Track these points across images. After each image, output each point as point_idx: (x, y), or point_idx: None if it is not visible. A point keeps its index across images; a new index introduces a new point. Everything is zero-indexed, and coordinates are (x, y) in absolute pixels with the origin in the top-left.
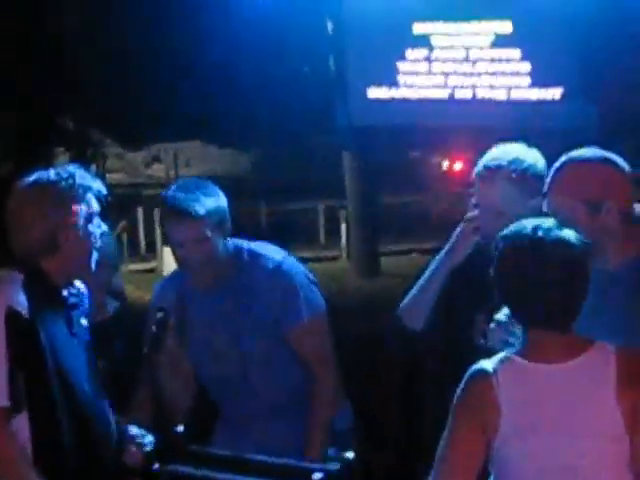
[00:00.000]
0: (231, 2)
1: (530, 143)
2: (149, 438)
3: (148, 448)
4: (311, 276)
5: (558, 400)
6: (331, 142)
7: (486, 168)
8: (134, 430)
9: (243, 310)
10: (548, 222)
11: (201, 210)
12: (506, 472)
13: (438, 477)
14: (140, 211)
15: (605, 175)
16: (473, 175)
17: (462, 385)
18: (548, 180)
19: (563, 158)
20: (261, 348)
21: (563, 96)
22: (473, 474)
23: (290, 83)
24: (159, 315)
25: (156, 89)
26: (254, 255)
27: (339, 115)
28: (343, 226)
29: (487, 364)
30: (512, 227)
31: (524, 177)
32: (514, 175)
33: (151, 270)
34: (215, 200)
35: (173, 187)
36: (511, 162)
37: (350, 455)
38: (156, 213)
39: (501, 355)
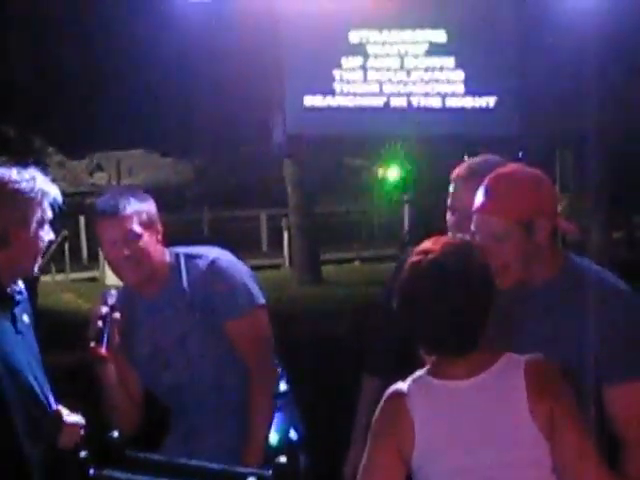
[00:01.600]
0: (169, 11)
1: (464, 150)
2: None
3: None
4: (249, 271)
5: (470, 416)
6: (272, 151)
7: (467, 172)
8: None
9: (184, 314)
10: (446, 245)
11: (129, 208)
12: None
13: None
14: (82, 220)
15: (536, 193)
16: (452, 178)
17: (379, 407)
18: (478, 198)
19: (492, 176)
20: (208, 349)
21: (496, 104)
22: None
23: (232, 91)
24: (104, 310)
25: (98, 98)
26: (190, 256)
27: (276, 123)
28: (285, 234)
29: (402, 384)
30: (415, 250)
31: None
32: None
33: (93, 279)
34: (143, 201)
35: (103, 195)
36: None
37: (283, 459)
38: None
39: (416, 374)
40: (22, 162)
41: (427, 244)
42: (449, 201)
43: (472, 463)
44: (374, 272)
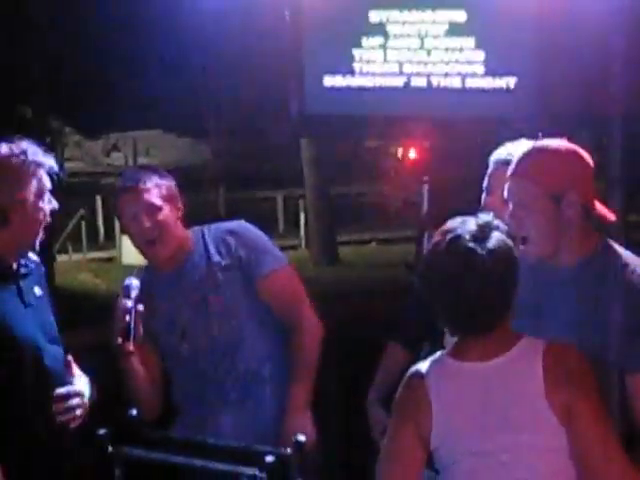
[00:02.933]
0: None
1: (484, 130)
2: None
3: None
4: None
5: (486, 398)
6: (289, 131)
7: (505, 155)
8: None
9: (205, 278)
10: (467, 226)
11: (148, 182)
12: (447, 470)
13: (380, 476)
14: (99, 200)
15: (571, 167)
16: (492, 160)
17: (400, 387)
18: (512, 165)
19: (530, 145)
20: (230, 314)
21: (516, 85)
22: (413, 472)
23: (250, 72)
24: (129, 304)
25: (116, 78)
26: (212, 227)
27: (295, 104)
28: (302, 215)
29: (422, 365)
30: (439, 230)
31: None
32: None
33: (109, 259)
34: (163, 177)
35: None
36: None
37: (302, 438)
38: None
39: (435, 356)
40: (39, 142)
41: (451, 224)
42: (486, 182)
43: (488, 446)
44: (390, 254)
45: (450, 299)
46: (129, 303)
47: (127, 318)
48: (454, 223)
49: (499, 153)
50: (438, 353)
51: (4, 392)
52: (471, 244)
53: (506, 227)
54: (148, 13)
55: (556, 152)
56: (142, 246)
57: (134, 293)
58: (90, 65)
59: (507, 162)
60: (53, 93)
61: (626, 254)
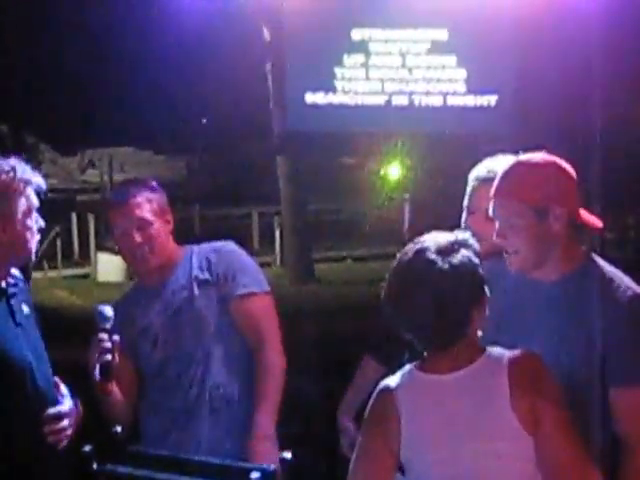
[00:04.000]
0: (165, 6)
1: (465, 148)
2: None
3: (69, 429)
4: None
5: (453, 409)
6: (267, 148)
7: (485, 173)
8: (53, 410)
9: (184, 289)
10: (437, 240)
11: (138, 196)
12: None
13: None
14: (74, 216)
15: (553, 180)
16: (471, 178)
17: (370, 401)
18: (495, 183)
19: (511, 161)
20: (208, 331)
21: (497, 103)
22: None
23: (226, 89)
24: (107, 345)
25: (91, 95)
26: (200, 245)
27: (276, 121)
28: (277, 232)
29: (391, 379)
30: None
31: None
32: None
33: (84, 276)
34: (154, 191)
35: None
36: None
37: (288, 455)
38: (90, 219)
39: (404, 369)
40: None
41: (424, 237)
42: (466, 201)
43: (456, 455)
44: (366, 271)
45: (407, 310)
46: (108, 344)
47: (107, 357)
48: (427, 236)
49: (478, 170)
50: (407, 366)
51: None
52: (433, 257)
53: (478, 246)
54: (126, 33)
55: (537, 167)
56: (131, 261)
57: (108, 324)
58: (66, 82)
59: (487, 179)
60: (29, 110)
61: (610, 269)
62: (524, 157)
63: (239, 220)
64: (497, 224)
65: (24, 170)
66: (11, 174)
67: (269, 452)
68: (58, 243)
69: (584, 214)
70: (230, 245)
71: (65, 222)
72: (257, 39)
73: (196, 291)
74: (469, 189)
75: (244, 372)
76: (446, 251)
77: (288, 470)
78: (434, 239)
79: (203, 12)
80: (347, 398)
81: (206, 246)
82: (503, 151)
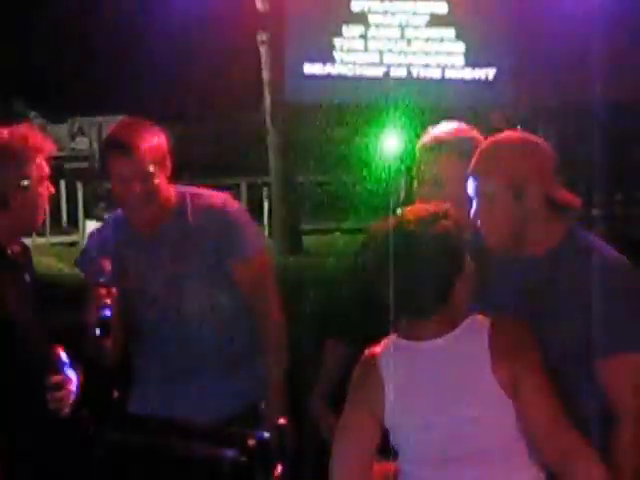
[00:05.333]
0: None
1: (463, 120)
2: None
3: (72, 396)
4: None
5: (437, 374)
6: (258, 118)
7: (433, 141)
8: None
9: (182, 254)
10: (419, 211)
11: (144, 145)
12: (401, 447)
13: (332, 458)
14: (62, 184)
15: (530, 159)
16: (418, 147)
17: (355, 369)
18: (473, 161)
19: (489, 140)
20: (201, 294)
21: (495, 76)
22: (366, 449)
23: (215, 58)
24: (107, 301)
25: (80, 61)
26: (196, 196)
27: (271, 91)
28: (266, 203)
29: (376, 348)
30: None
31: (469, 153)
32: (458, 150)
33: (73, 243)
34: (157, 137)
35: (116, 124)
36: (457, 137)
37: (282, 421)
38: (79, 186)
39: (389, 337)
40: (3, 125)
41: (407, 208)
42: (415, 171)
43: (439, 420)
44: (355, 243)
45: (388, 280)
46: (107, 300)
47: (106, 313)
48: (408, 208)
49: (425, 139)
50: (390, 335)
51: (5, 379)
52: (413, 228)
53: (459, 216)
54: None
55: (514, 145)
56: (127, 209)
57: (106, 279)
58: (56, 49)
59: (433, 147)
60: (17, 77)
61: (593, 240)
62: (501, 136)
63: (228, 190)
64: (474, 203)
65: (36, 137)
66: (22, 141)
67: (283, 408)
68: (47, 210)
69: (561, 192)
70: (230, 202)
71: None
72: (250, 7)
73: (198, 258)
74: (417, 158)
75: (242, 327)
76: (426, 222)
77: (283, 436)
78: (414, 211)
79: None
80: (320, 382)
81: (203, 198)
82: (499, 124)
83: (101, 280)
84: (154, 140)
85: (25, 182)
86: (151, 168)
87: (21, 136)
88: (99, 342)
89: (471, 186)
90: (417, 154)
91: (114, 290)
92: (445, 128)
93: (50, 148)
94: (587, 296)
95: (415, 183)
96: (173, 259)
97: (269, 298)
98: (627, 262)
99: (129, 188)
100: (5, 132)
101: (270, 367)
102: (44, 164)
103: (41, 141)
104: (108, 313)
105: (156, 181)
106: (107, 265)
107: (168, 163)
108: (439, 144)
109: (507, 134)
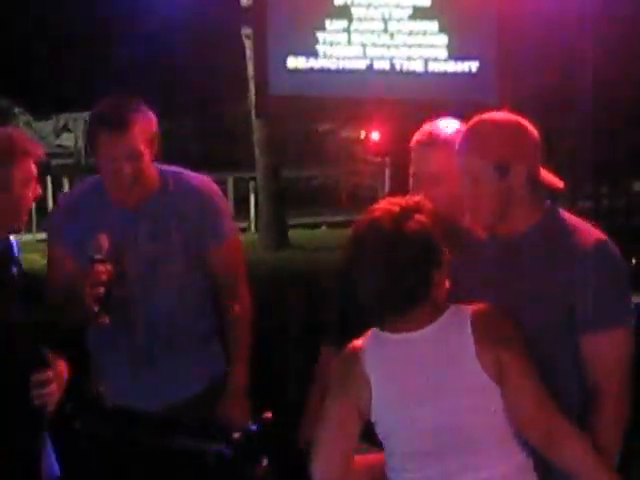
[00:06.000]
0: None
1: (447, 113)
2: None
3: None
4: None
5: (422, 365)
6: (242, 113)
7: (428, 138)
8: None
9: (158, 235)
10: (392, 208)
11: (136, 125)
12: (388, 440)
13: (314, 448)
14: (49, 180)
15: (515, 138)
16: (413, 145)
17: (335, 363)
18: (459, 141)
19: (474, 119)
20: (176, 274)
21: (478, 70)
22: (347, 441)
23: (199, 54)
24: (102, 277)
25: (66, 57)
26: (178, 176)
27: (254, 85)
28: (252, 198)
29: (357, 341)
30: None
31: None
32: (454, 146)
33: None
34: (147, 116)
35: (105, 101)
36: (452, 134)
37: (268, 415)
38: (65, 182)
39: (370, 331)
40: None
41: (380, 205)
42: (411, 168)
43: (426, 411)
44: (340, 237)
45: (366, 280)
46: (104, 276)
47: (104, 290)
48: (380, 204)
49: (420, 135)
50: (371, 330)
51: None
52: (385, 225)
53: (431, 208)
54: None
55: (500, 125)
56: (112, 186)
57: (103, 255)
58: (40, 46)
59: (429, 144)
60: (3, 74)
61: (574, 219)
62: (487, 115)
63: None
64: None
65: (23, 140)
66: (7, 142)
67: (242, 411)
68: (33, 207)
69: (545, 173)
70: (208, 185)
71: (40, 186)
72: (234, 2)
73: (174, 236)
74: (413, 155)
75: (207, 309)
76: (399, 218)
77: (268, 430)
78: (387, 206)
79: None
80: (315, 389)
81: (184, 179)
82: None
83: (98, 257)
84: (145, 120)
85: (8, 183)
86: (141, 148)
87: (6, 137)
88: (97, 318)
89: (458, 165)
90: (412, 152)
91: (110, 267)
92: (440, 125)
93: (38, 151)
94: (569, 271)
95: (411, 181)
96: (152, 238)
97: (239, 277)
98: (608, 240)
99: (117, 168)
100: None
101: (240, 341)
102: (32, 167)
103: (28, 144)
104: (101, 290)
105: (145, 161)
106: (105, 242)
107: (156, 142)
108: (435, 141)
109: (492, 114)
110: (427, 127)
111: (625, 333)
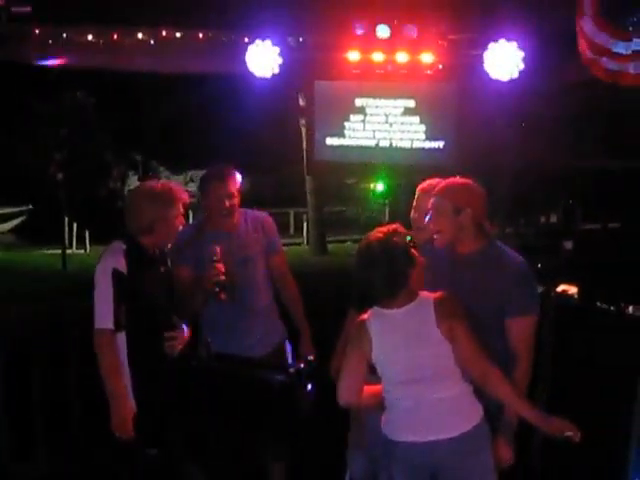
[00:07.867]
0: (242, 83)
1: (421, 176)
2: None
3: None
4: None
5: (404, 329)
6: (300, 171)
7: (427, 187)
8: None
9: (246, 246)
10: (378, 232)
11: (234, 177)
12: (383, 374)
13: (340, 380)
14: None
15: (469, 193)
16: (417, 191)
17: (352, 327)
18: (436, 187)
19: (447, 180)
20: (260, 267)
21: (444, 146)
22: (360, 374)
23: (275, 135)
24: (220, 269)
25: (191, 134)
26: (250, 212)
27: (307, 154)
28: (305, 224)
29: (364, 315)
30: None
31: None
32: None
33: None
34: (237, 174)
35: (213, 165)
36: (443, 187)
37: (311, 357)
38: (190, 215)
39: (373, 308)
40: (143, 177)
41: (375, 229)
42: (414, 205)
43: (408, 357)
44: None
45: (365, 278)
46: (221, 268)
47: (222, 278)
48: (375, 230)
49: (422, 185)
50: (374, 307)
51: (135, 335)
52: (375, 243)
53: (404, 231)
54: (219, 93)
55: (462, 183)
56: (216, 217)
57: (217, 257)
58: (177, 129)
59: (427, 191)
60: (155, 145)
61: (506, 248)
62: (455, 178)
63: (281, 217)
64: (430, 213)
65: (178, 189)
66: (167, 188)
67: (311, 349)
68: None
69: (486, 222)
70: (268, 217)
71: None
72: (294, 103)
73: (253, 246)
74: (416, 197)
75: (270, 293)
76: (384, 238)
77: (311, 367)
78: (377, 231)
79: (265, 87)
80: (337, 352)
81: (255, 213)
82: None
83: (215, 258)
84: (237, 176)
85: (166, 217)
86: (235, 191)
87: (167, 187)
88: (217, 295)
89: (431, 202)
90: (416, 194)
91: (222, 265)
92: (433, 182)
93: (186, 197)
94: (500, 280)
95: (412, 212)
96: (243, 246)
97: (288, 272)
98: (524, 260)
99: (222, 203)
100: (158, 184)
101: (300, 315)
102: (181, 207)
103: (181, 192)
104: (223, 278)
105: (236, 200)
106: (218, 250)
107: (240, 189)
108: (430, 189)
109: (459, 178)
110: (427, 181)
111: (533, 318)
